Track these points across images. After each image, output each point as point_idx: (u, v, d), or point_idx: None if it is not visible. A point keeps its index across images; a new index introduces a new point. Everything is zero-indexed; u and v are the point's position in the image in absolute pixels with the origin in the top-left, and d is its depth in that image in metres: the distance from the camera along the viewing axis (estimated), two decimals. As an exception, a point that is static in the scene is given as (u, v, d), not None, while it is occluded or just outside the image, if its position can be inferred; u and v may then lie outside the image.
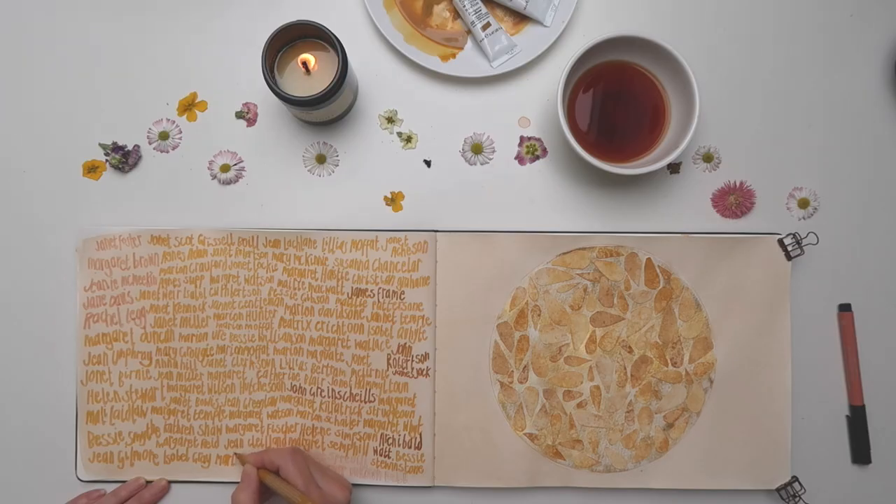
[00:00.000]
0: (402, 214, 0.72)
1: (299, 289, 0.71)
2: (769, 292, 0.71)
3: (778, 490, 0.71)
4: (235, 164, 0.72)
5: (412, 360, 0.71)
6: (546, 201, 0.73)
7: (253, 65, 0.71)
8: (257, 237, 0.71)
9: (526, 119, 0.73)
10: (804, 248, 0.71)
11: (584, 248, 0.71)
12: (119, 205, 0.73)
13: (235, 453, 0.71)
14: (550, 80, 0.73)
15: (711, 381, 0.71)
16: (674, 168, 0.73)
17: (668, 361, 0.71)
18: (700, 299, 0.71)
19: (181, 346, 0.71)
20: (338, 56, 0.64)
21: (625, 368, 0.71)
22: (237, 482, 0.71)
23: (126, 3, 0.73)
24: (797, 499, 0.70)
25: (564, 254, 0.71)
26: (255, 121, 0.73)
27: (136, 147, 0.72)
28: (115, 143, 0.72)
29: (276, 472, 0.66)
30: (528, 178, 0.73)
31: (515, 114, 0.73)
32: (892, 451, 0.72)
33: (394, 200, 0.73)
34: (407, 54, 0.71)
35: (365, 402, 0.71)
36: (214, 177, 0.73)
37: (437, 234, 0.71)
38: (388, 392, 0.71)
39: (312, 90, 0.64)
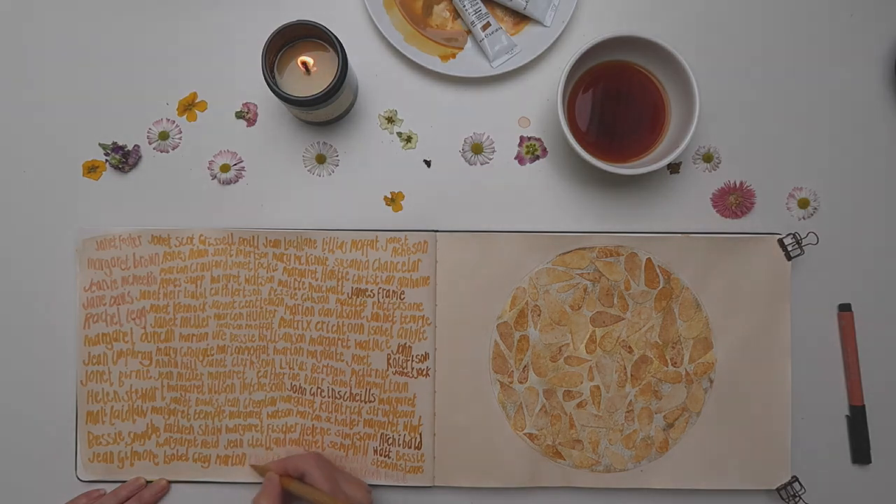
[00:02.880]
0: (402, 214, 0.72)
1: (299, 289, 0.71)
2: (769, 292, 0.71)
3: (778, 490, 0.71)
4: (235, 164, 0.72)
5: (412, 360, 0.71)
6: (546, 201, 0.73)
7: (253, 65, 0.71)
8: (257, 237, 0.71)
9: (526, 119, 0.73)
10: (804, 248, 0.71)
11: (584, 248, 0.71)
12: (119, 205, 0.73)
13: (252, 465, 0.71)
14: (550, 80, 0.73)
15: (711, 381, 0.71)
16: (674, 168, 0.73)
17: (668, 361, 0.71)
18: (700, 299, 0.71)
19: (181, 346, 0.71)
20: (338, 56, 0.64)
21: (625, 368, 0.71)
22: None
23: (126, 3, 0.73)
24: (797, 499, 0.70)
25: (564, 254, 0.71)
26: (255, 121, 0.73)
27: (136, 147, 0.72)
28: (115, 143, 0.72)
29: (300, 479, 0.66)
30: (528, 178, 0.73)
31: (515, 114, 0.73)
32: (892, 451, 0.72)
33: (394, 200, 0.73)
34: (407, 54, 0.71)
35: (365, 402, 0.71)
36: (214, 177, 0.73)
37: (437, 234, 0.71)
38: (388, 392, 0.71)
39: (312, 90, 0.64)
